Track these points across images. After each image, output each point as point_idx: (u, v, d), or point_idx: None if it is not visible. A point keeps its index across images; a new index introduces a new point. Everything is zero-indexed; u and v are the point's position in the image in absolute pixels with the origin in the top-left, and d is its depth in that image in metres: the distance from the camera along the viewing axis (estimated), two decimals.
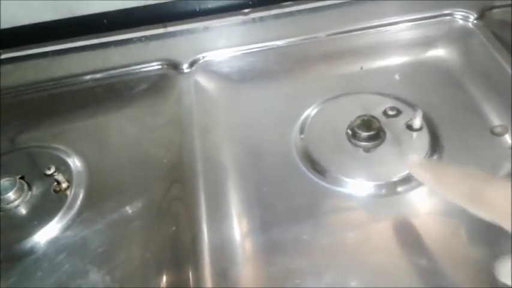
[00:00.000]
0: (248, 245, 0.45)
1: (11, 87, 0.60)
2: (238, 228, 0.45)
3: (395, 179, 0.46)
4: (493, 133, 0.49)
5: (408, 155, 0.47)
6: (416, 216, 0.44)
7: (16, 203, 0.48)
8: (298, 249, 0.43)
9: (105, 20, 0.63)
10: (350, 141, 0.49)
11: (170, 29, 0.65)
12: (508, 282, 0.35)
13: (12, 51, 0.65)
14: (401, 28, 0.59)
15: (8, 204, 0.48)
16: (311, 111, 0.54)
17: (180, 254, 0.44)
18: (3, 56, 0.64)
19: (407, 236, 0.43)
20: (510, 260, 0.35)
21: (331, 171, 0.48)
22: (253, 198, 0.48)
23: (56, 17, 0.63)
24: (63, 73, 0.61)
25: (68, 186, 0.50)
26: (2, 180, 0.48)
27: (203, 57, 0.60)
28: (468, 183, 0.35)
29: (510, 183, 0.32)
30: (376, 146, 0.48)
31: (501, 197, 0.32)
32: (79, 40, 0.65)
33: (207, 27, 0.64)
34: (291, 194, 0.47)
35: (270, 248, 0.44)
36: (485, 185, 0.34)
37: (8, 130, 0.58)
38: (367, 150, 0.49)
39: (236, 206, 0.47)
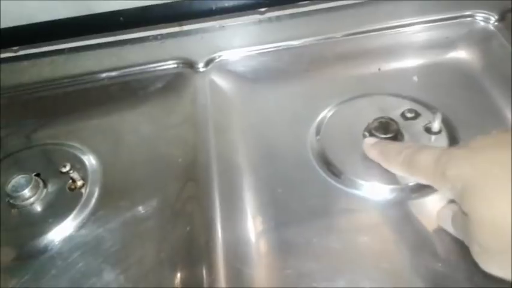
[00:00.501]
0: (262, 247, 0.44)
1: (27, 84, 0.60)
2: (253, 229, 0.45)
3: (411, 183, 0.45)
4: None
5: (365, 138, 0.48)
6: (431, 222, 0.43)
7: (31, 200, 0.48)
8: (312, 252, 0.43)
9: (121, 18, 0.63)
10: None
11: (186, 27, 0.65)
12: (447, 228, 0.40)
13: (29, 48, 0.65)
14: (420, 29, 0.58)
15: (23, 201, 0.48)
16: (327, 112, 0.53)
17: (194, 254, 0.44)
18: (21, 53, 0.65)
19: (422, 241, 0.42)
20: (448, 207, 0.40)
21: (347, 173, 0.47)
22: (268, 199, 0.47)
23: (72, 14, 0.63)
24: (79, 71, 0.61)
25: (83, 184, 0.50)
26: (17, 177, 0.49)
27: (219, 56, 0.59)
28: (404, 152, 0.40)
29: (438, 148, 0.37)
30: None
31: (427, 159, 0.37)
32: (95, 38, 0.65)
33: (223, 26, 0.64)
34: (306, 196, 0.47)
35: (284, 250, 0.43)
36: (416, 151, 0.39)
37: (24, 127, 0.58)
38: None
39: (251, 207, 0.47)
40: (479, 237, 0.32)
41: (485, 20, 0.57)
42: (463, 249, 0.40)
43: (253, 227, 0.45)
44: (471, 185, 0.33)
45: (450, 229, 0.40)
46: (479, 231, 0.32)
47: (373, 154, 0.46)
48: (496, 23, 0.57)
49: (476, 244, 0.33)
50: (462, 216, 0.35)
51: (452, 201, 0.39)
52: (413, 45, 0.58)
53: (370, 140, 0.47)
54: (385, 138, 0.47)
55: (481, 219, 0.32)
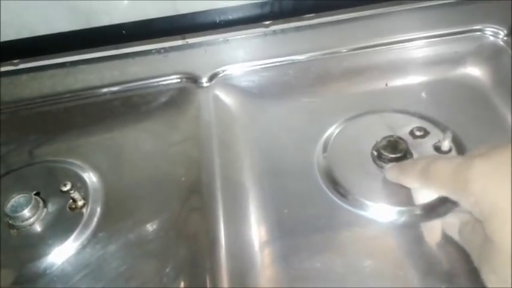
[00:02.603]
0: (267, 268, 0.43)
1: (27, 98, 0.59)
2: (258, 251, 0.44)
3: (420, 205, 0.44)
4: None
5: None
6: (440, 245, 0.42)
7: (31, 220, 0.47)
8: (315, 275, 0.42)
9: (123, 31, 0.62)
10: (375, 162, 0.48)
11: (189, 40, 0.64)
12: (453, 236, 0.40)
13: (30, 61, 0.64)
14: (429, 43, 0.57)
15: (23, 221, 0.47)
16: (334, 129, 0.52)
17: (198, 278, 0.43)
18: (21, 66, 0.64)
19: (429, 265, 0.41)
20: (456, 216, 0.40)
21: (354, 193, 0.46)
22: (273, 219, 0.46)
23: (73, 28, 0.62)
24: (80, 85, 0.60)
25: (84, 204, 0.49)
26: (17, 197, 0.48)
27: (223, 71, 0.59)
28: (419, 164, 0.39)
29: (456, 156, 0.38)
30: None
31: (446, 167, 0.36)
32: (97, 51, 0.64)
33: (227, 40, 0.63)
34: (312, 216, 0.46)
35: (288, 270, 0.42)
36: (434, 160, 0.37)
37: (24, 143, 0.57)
38: None
39: (256, 227, 0.46)
40: (500, 268, 0.31)
41: (494, 34, 0.56)
42: (471, 274, 0.39)
43: (259, 252, 0.44)
44: (500, 209, 0.31)
45: (456, 237, 0.39)
46: (503, 262, 0.30)
47: (391, 174, 0.44)
48: (505, 38, 0.56)
49: (494, 273, 0.32)
50: (474, 231, 0.34)
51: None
52: (421, 60, 0.57)
53: (389, 165, 0.46)
54: (394, 158, 0.46)
55: (509, 250, 0.30)
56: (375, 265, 0.42)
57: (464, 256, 0.40)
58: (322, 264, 0.42)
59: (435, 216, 0.44)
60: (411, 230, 0.44)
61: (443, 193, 0.37)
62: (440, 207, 0.44)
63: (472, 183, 0.32)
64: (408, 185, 0.43)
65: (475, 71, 0.56)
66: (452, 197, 0.36)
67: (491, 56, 0.56)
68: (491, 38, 0.56)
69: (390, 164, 0.46)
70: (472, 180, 0.32)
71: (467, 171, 0.33)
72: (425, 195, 0.43)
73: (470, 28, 0.57)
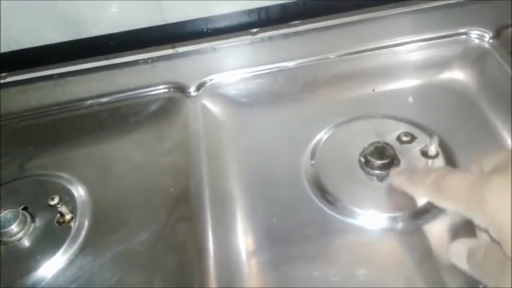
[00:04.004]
0: (257, 283, 0.43)
1: (15, 112, 0.59)
2: (247, 266, 0.44)
3: (409, 211, 0.44)
4: None
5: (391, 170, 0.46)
6: (431, 252, 0.42)
7: (19, 235, 0.47)
8: (307, 286, 0.42)
9: (111, 42, 0.62)
10: (363, 169, 0.48)
11: (178, 50, 0.64)
12: (461, 266, 0.36)
13: (17, 74, 0.64)
14: (415, 48, 0.57)
15: (10, 237, 0.47)
16: (322, 135, 0.52)
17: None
18: (8, 80, 0.64)
19: (421, 271, 0.41)
20: (463, 243, 0.36)
21: (343, 201, 0.46)
22: (263, 230, 0.46)
23: (61, 39, 0.62)
24: (68, 97, 0.59)
25: (72, 218, 0.48)
26: (4, 212, 0.47)
27: (210, 80, 0.58)
28: (430, 176, 0.37)
29: (468, 172, 0.35)
30: None
31: (460, 181, 0.34)
32: (84, 62, 0.64)
33: (215, 48, 0.63)
34: (301, 226, 0.46)
35: (279, 285, 0.42)
36: (447, 173, 0.36)
37: (12, 157, 0.57)
38: (380, 179, 0.47)
39: (244, 239, 0.46)
40: None
41: (480, 37, 0.56)
42: (462, 279, 0.39)
43: (247, 263, 0.44)
44: None
45: (464, 266, 0.36)
46: None
47: (398, 180, 0.43)
48: (491, 41, 0.56)
49: None
50: (488, 256, 0.32)
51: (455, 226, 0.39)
52: (408, 64, 0.57)
53: (396, 170, 0.45)
54: (381, 164, 0.46)
55: None
56: (366, 273, 0.42)
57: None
58: (311, 272, 0.42)
59: (424, 222, 0.44)
60: (401, 237, 0.44)
61: (456, 209, 0.34)
62: (429, 212, 0.44)
63: (489, 201, 0.30)
64: (415, 196, 0.42)
65: (461, 75, 0.56)
66: (466, 214, 0.33)
67: (477, 59, 0.56)
68: (477, 41, 0.56)
69: (396, 169, 0.45)
70: (489, 197, 0.30)
71: (484, 187, 0.31)
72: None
73: (455, 32, 0.57)
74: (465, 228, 0.42)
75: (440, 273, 0.41)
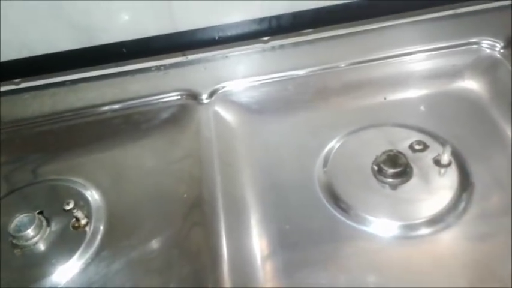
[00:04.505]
0: (270, 284, 0.43)
1: (28, 118, 0.60)
2: (262, 272, 0.44)
3: (421, 219, 0.44)
4: None
5: None
6: (442, 260, 0.43)
7: (35, 239, 0.48)
8: None
9: (124, 49, 0.63)
10: (375, 177, 0.48)
11: (189, 57, 0.65)
12: None
13: (31, 81, 0.65)
14: (426, 57, 0.58)
15: (26, 241, 0.47)
16: (334, 143, 0.53)
17: None
18: (22, 85, 0.64)
19: (432, 279, 0.41)
20: None
21: (355, 208, 0.47)
22: (276, 236, 0.46)
23: (74, 46, 0.63)
24: (80, 104, 0.60)
25: (87, 223, 0.49)
26: (20, 216, 0.48)
27: (222, 87, 0.59)
28: None
29: None
30: (403, 182, 0.47)
31: None
32: (97, 69, 0.64)
33: (226, 56, 0.63)
34: (314, 233, 0.46)
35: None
36: None
37: (26, 162, 0.57)
38: (393, 187, 0.47)
39: (258, 245, 0.46)
40: None
41: (491, 47, 0.57)
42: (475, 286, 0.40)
43: (262, 270, 0.44)
44: None
45: None
46: None
47: None
48: (501, 50, 0.56)
49: None
50: None
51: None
52: (419, 73, 0.58)
53: None
54: (394, 172, 0.47)
55: None
56: (377, 280, 0.42)
57: (469, 272, 0.40)
58: (323, 279, 0.43)
59: (436, 231, 0.44)
60: (413, 244, 0.44)
61: None
62: (441, 221, 0.44)
63: None
64: None
65: (472, 84, 0.56)
66: None
67: (489, 68, 0.56)
68: (488, 51, 0.57)
69: None
70: None
71: None
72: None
73: (467, 41, 0.57)
74: (481, 237, 0.43)
75: (453, 282, 0.41)
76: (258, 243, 0.46)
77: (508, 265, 0.40)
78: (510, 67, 0.54)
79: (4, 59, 0.61)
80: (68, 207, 0.49)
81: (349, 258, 0.44)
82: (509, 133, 0.51)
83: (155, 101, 0.59)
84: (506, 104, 0.52)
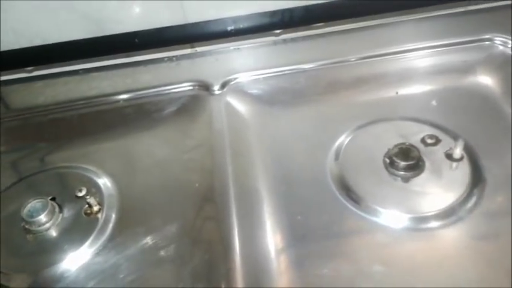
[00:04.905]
0: (281, 274, 0.44)
1: (41, 105, 0.60)
2: (273, 261, 0.44)
3: (432, 212, 0.45)
4: None
5: None
6: (452, 254, 0.43)
7: (47, 225, 0.48)
8: (331, 284, 0.42)
9: (136, 39, 0.63)
10: (387, 169, 0.48)
11: (200, 49, 0.65)
12: None
13: (43, 69, 0.65)
14: (438, 52, 0.58)
15: (39, 226, 0.48)
16: (346, 137, 0.53)
17: (213, 283, 0.43)
18: (35, 73, 0.65)
19: (441, 272, 0.42)
20: None
21: (367, 200, 0.47)
22: (288, 227, 0.47)
23: (86, 35, 0.63)
24: (93, 92, 0.60)
25: (100, 209, 0.49)
26: (33, 202, 0.48)
27: (234, 79, 0.59)
28: None
29: None
30: (415, 176, 0.47)
31: None
32: (109, 59, 0.65)
33: (238, 48, 0.64)
34: (326, 224, 0.46)
35: (304, 282, 0.43)
36: None
37: (39, 149, 0.58)
38: (405, 180, 0.47)
39: (270, 236, 0.46)
40: None
41: (503, 44, 0.57)
42: (481, 281, 0.40)
43: (272, 254, 0.44)
44: None
45: None
46: None
47: None
48: None
49: None
50: None
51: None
52: (431, 68, 0.58)
53: None
54: (406, 165, 0.47)
55: None
56: (387, 271, 0.42)
57: (479, 266, 0.40)
58: (335, 270, 0.43)
59: (446, 224, 0.44)
60: (423, 237, 0.44)
61: None
62: (452, 214, 0.44)
63: None
64: None
65: (484, 80, 0.57)
66: None
67: (501, 65, 0.56)
68: (501, 48, 0.57)
69: None
70: None
71: None
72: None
73: (479, 38, 0.58)
74: (492, 233, 0.43)
75: (460, 274, 0.41)
76: (271, 234, 0.46)
77: None
78: None
79: (17, 46, 0.62)
80: (80, 194, 0.49)
81: (360, 248, 0.44)
82: None
83: (167, 91, 0.60)
84: None
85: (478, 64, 0.57)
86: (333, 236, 0.45)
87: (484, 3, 0.62)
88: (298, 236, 0.46)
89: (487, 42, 0.57)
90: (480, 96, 0.55)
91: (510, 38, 0.57)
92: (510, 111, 0.53)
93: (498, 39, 0.57)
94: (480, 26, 0.59)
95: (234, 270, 0.42)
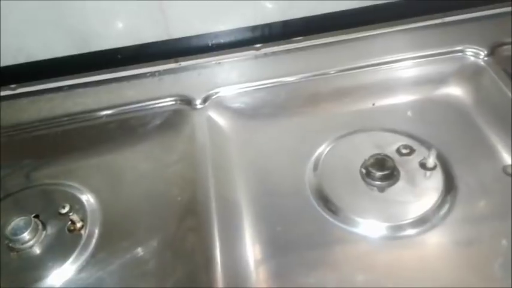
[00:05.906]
0: (262, 285, 0.44)
1: (26, 122, 0.61)
2: (254, 272, 0.45)
3: (408, 220, 0.46)
4: (506, 173, 0.49)
5: None
6: (428, 259, 0.44)
7: (31, 243, 0.48)
8: None
9: (119, 55, 0.64)
10: (364, 180, 0.49)
11: (183, 63, 0.66)
12: None
13: (28, 86, 0.66)
14: (413, 64, 0.60)
15: (22, 244, 0.48)
16: (324, 148, 0.54)
17: None
18: (19, 91, 0.65)
19: (420, 279, 0.43)
20: None
21: (345, 210, 0.48)
22: (268, 239, 0.48)
23: (70, 52, 0.64)
24: (77, 108, 0.61)
25: (83, 226, 0.50)
26: (17, 220, 0.49)
27: (216, 93, 0.60)
28: None
29: None
30: (390, 185, 0.49)
31: None
32: (93, 75, 0.66)
33: (220, 62, 0.65)
34: (305, 235, 0.47)
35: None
36: None
37: (23, 166, 0.58)
38: (381, 189, 0.49)
39: (251, 247, 0.47)
40: None
41: (475, 55, 0.58)
42: (461, 283, 0.41)
43: (253, 265, 0.45)
44: None
45: None
46: None
47: None
48: (485, 58, 0.58)
49: None
50: None
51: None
52: (407, 80, 0.60)
53: None
54: (382, 175, 0.48)
55: None
56: (367, 280, 0.43)
57: (457, 271, 0.42)
58: (315, 280, 0.44)
59: (424, 231, 0.45)
60: (401, 245, 0.45)
61: None
62: (428, 221, 0.45)
63: None
64: None
65: (457, 91, 0.58)
66: None
67: (473, 76, 0.58)
68: (472, 59, 0.59)
69: None
70: None
71: None
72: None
73: (452, 49, 0.59)
74: (465, 237, 0.44)
75: (439, 281, 0.42)
76: (251, 245, 0.47)
77: (490, 265, 0.42)
78: (493, 74, 0.56)
79: (2, 64, 0.62)
80: (63, 211, 0.50)
81: (339, 258, 0.45)
82: (492, 138, 0.52)
83: (150, 106, 0.60)
84: (490, 110, 0.54)
85: (451, 75, 0.59)
86: (313, 246, 0.47)
87: (458, 15, 0.64)
88: (278, 247, 0.47)
89: (459, 54, 0.59)
90: (453, 107, 0.57)
91: (481, 49, 0.58)
92: (481, 120, 0.54)
93: (470, 51, 0.59)
94: (454, 38, 0.60)
95: (215, 281, 0.43)
